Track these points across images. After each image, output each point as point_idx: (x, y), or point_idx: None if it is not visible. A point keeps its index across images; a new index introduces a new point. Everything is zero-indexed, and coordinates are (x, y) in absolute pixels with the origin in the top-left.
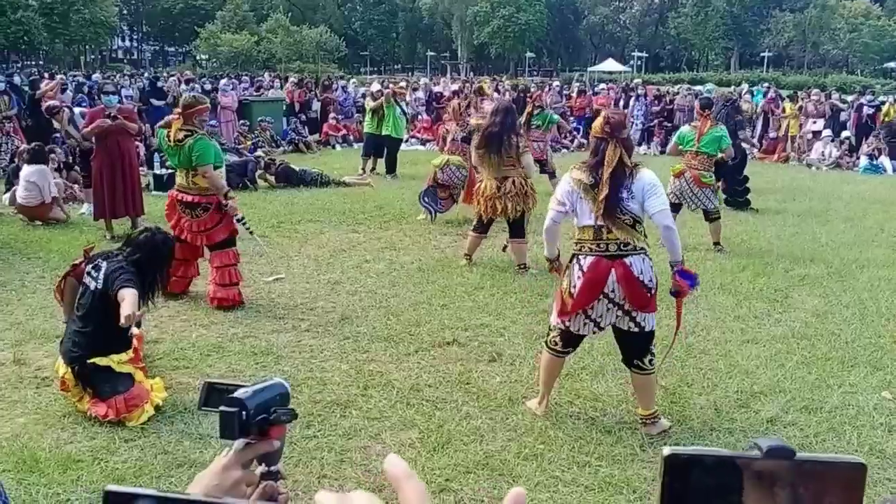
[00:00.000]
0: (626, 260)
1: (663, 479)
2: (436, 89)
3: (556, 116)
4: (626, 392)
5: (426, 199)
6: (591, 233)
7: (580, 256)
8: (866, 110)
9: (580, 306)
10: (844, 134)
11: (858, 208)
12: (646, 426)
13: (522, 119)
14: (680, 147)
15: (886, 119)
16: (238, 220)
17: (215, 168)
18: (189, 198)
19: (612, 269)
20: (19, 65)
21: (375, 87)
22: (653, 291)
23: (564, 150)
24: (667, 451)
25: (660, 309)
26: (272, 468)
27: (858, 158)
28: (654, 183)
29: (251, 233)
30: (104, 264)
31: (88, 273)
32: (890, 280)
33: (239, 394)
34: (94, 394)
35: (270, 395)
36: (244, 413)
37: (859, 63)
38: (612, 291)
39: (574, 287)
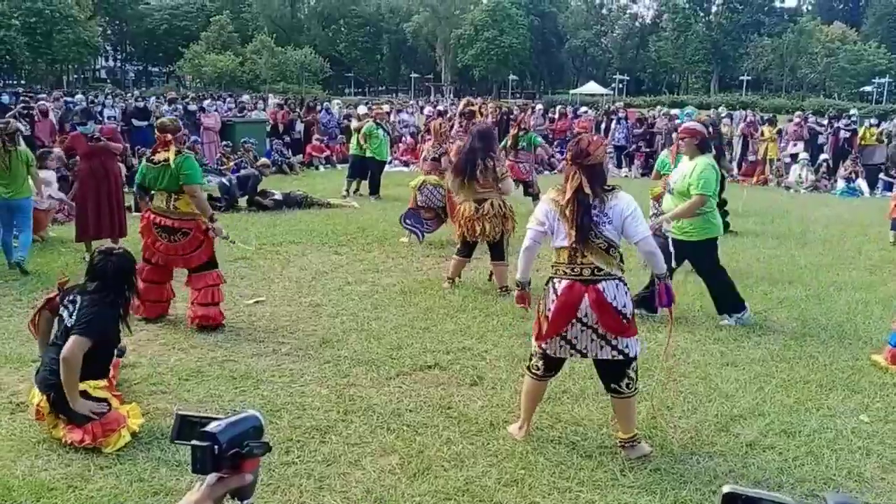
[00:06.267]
0: (599, 285)
1: None
2: (426, 110)
3: (538, 139)
4: (606, 416)
5: (408, 221)
6: (566, 255)
7: (555, 280)
8: (843, 134)
9: (555, 330)
10: (822, 157)
11: (836, 231)
12: (626, 450)
13: (509, 141)
14: (661, 173)
15: (863, 143)
16: (224, 238)
17: None
18: (168, 222)
19: (585, 294)
20: (1, 84)
21: (362, 109)
22: (629, 317)
23: (547, 172)
24: (726, 488)
25: (649, 335)
26: (245, 502)
27: (836, 181)
28: (633, 208)
29: (233, 242)
30: (79, 299)
31: (65, 307)
32: (867, 303)
33: (211, 427)
34: (69, 420)
35: (243, 429)
36: (216, 447)
37: (836, 87)
38: (586, 316)
39: (549, 310)
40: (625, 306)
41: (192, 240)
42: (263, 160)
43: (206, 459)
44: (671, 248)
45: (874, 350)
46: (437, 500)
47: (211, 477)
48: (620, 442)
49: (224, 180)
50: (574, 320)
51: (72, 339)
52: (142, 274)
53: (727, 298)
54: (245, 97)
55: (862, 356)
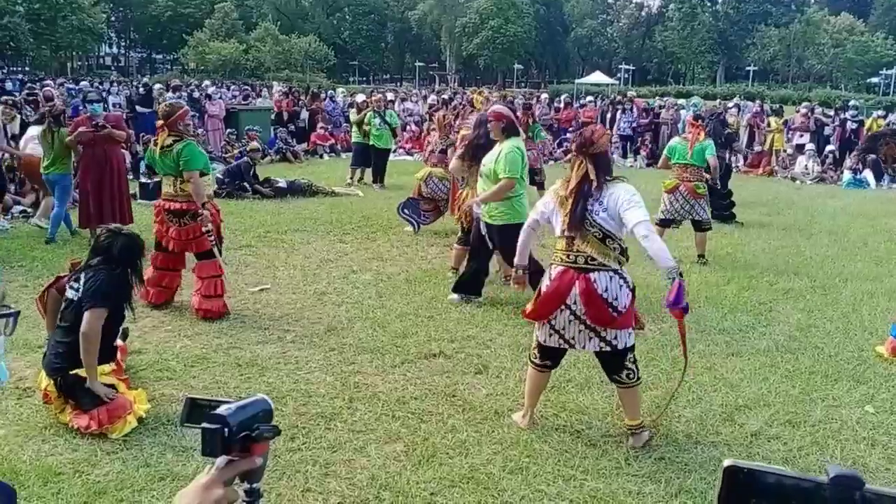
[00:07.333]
0: (591, 275)
1: (721, 490)
2: (430, 99)
3: (542, 133)
4: (611, 405)
5: (406, 210)
6: (563, 243)
7: (552, 265)
8: (850, 125)
9: (542, 312)
10: (829, 148)
11: (842, 222)
12: (632, 437)
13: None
14: (670, 160)
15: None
16: (205, 232)
17: (202, 175)
18: (177, 205)
19: (576, 282)
20: (5, 70)
21: (360, 98)
22: (620, 310)
23: (552, 162)
24: (727, 462)
25: (653, 326)
26: (254, 486)
27: (842, 173)
28: (629, 196)
29: (214, 246)
30: (83, 276)
31: (70, 286)
32: (873, 294)
33: (221, 410)
34: (76, 405)
35: (253, 412)
36: (226, 430)
37: (843, 78)
38: (574, 304)
39: (542, 293)
40: (616, 299)
41: (200, 223)
42: (253, 144)
43: (215, 442)
44: (483, 232)
45: (879, 341)
46: (441, 487)
47: (220, 460)
48: (628, 428)
49: (218, 174)
50: (563, 307)
51: (86, 313)
52: (156, 261)
53: (471, 283)
54: (207, 82)
55: (867, 347)
